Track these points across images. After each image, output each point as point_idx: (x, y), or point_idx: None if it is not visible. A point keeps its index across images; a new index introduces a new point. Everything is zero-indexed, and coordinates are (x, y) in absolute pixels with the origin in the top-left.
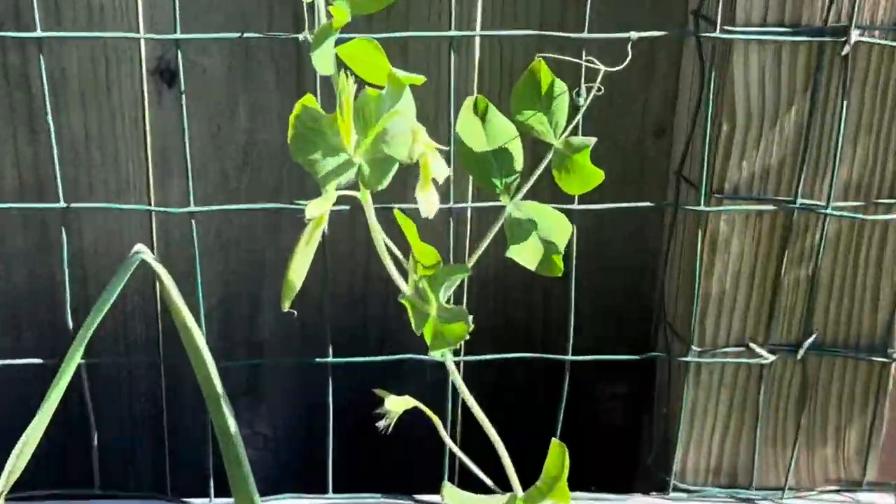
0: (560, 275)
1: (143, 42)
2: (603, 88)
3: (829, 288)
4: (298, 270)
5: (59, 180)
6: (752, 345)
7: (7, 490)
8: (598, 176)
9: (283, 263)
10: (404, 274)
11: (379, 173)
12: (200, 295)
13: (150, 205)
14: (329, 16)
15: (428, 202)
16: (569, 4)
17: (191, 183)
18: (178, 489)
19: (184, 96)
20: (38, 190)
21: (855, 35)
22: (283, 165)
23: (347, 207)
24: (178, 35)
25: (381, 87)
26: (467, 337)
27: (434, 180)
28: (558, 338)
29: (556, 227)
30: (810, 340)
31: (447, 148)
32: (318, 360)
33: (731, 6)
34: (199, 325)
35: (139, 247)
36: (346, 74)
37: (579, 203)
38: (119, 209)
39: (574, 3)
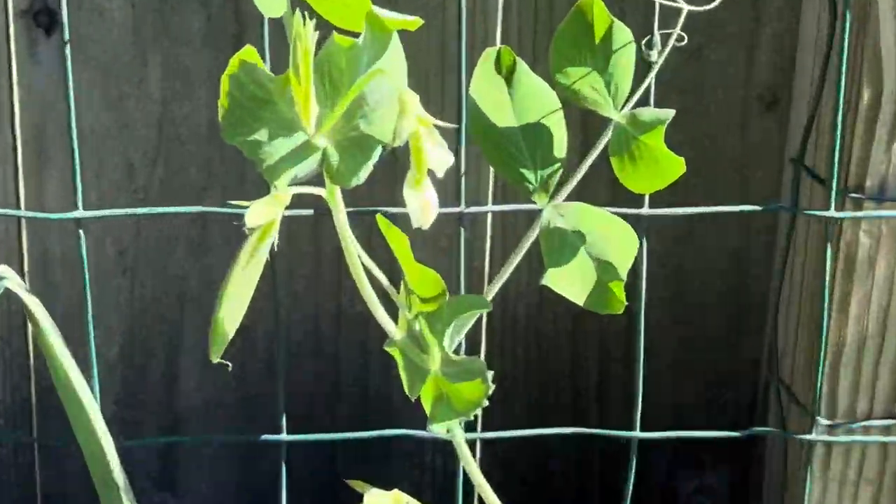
0: (622, 311)
1: None
2: (686, 37)
3: None
4: (235, 305)
5: None
6: None
7: None
8: (677, 166)
9: (213, 294)
10: (392, 310)
11: (353, 161)
12: (93, 341)
13: (18, 208)
14: None
15: (421, 205)
16: None
17: (78, 177)
18: None
19: (68, 49)
20: None
21: None
22: (212, 152)
23: (310, 212)
24: None
25: (357, 35)
26: (486, 403)
27: (431, 173)
28: (617, 405)
29: (617, 241)
30: None
31: (454, 126)
32: (266, 437)
33: None
34: (92, 385)
35: (2, 269)
36: (305, 17)
37: (650, 206)
38: None
39: None
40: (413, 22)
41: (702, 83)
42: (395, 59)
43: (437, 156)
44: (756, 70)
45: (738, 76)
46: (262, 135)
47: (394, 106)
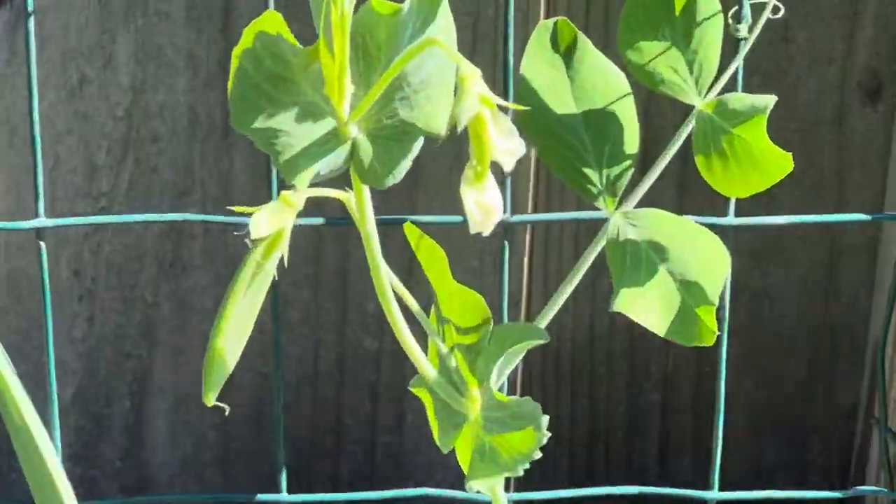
0: (712, 342)
1: None
2: (782, 8)
3: None
4: (235, 335)
5: None
6: None
7: None
8: (782, 163)
9: (187, 324)
10: (422, 339)
11: (389, 156)
12: (53, 377)
13: None
14: None
15: (482, 206)
16: None
17: (40, 178)
18: None
19: (31, 22)
20: None
21: None
22: (194, 149)
23: (321, 220)
24: None
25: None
26: (538, 455)
27: (498, 170)
28: (684, 461)
29: (705, 256)
30: None
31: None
32: (261, 496)
33: None
34: (52, 435)
35: None
36: None
37: (737, 215)
38: None
39: None
40: None
41: (790, 68)
42: (446, 29)
43: (505, 145)
44: (856, 51)
45: (837, 60)
46: (280, 121)
47: (444, 86)
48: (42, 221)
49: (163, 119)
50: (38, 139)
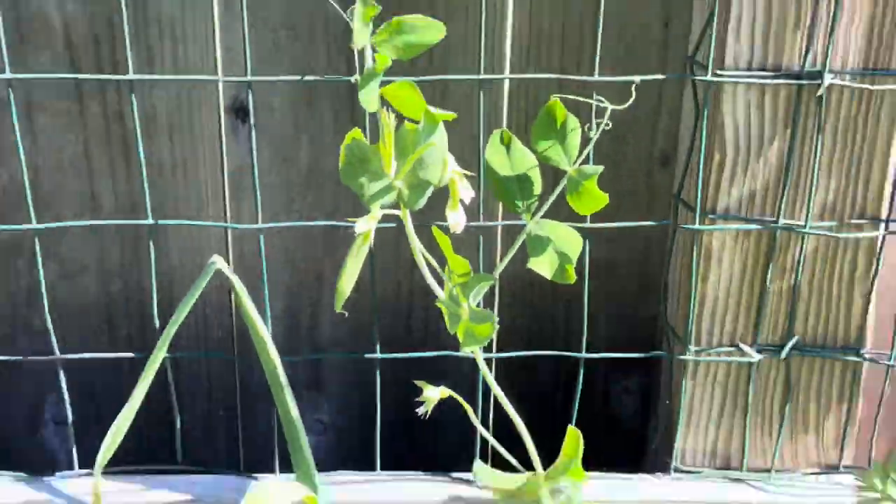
0: (572, 282)
1: (220, 84)
2: (611, 124)
3: (808, 297)
4: (348, 279)
5: (147, 201)
6: (741, 345)
7: (104, 465)
8: (603, 199)
9: (338, 273)
10: (440, 282)
11: (416, 195)
12: (268, 301)
13: (226, 222)
14: (375, 61)
15: (456, 219)
16: (585, 49)
17: (259, 203)
18: (248, 465)
19: (254, 130)
20: (131, 211)
21: (828, 79)
22: (339, 189)
23: (393, 224)
24: (250, 78)
25: (418, 122)
26: (493, 336)
27: (462, 201)
28: (576, 339)
29: (570, 241)
30: (792, 342)
31: (472, 174)
32: (367, 355)
33: (722, 53)
34: (267, 326)
35: (215, 258)
36: (388, 111)
37: (592, 222)
38: (199, 226)
39: (590, 49)
40: (450, 115)
41: (625, 150)
42: (440, 136)
43: (463, 191)
44: (656, 142)
45: (646, 146)
46: (363, 179)
47: (440, 163)
48: (260, 225)
49: (325, 173)
50: (258, 189)
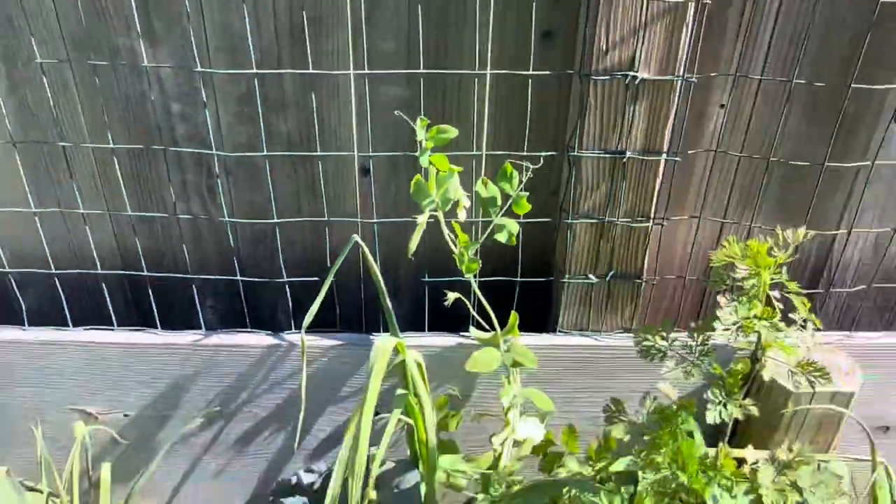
0: (514, 244)
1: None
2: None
3: (620, 253)
4: (413, 243)
5: (325, 205)
6: (588, 275)
7: (306, 327)
8: (528, 207)
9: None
10: (455, 245)
11: (444, 204)
12: (378, 259)
13: (358, 219)
14: (425, 144)
15: (463, 216)
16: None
17: (375, 209)
18: (368, 327)
19: (373, 184)
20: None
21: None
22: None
23: (433, 221)
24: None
25: (445, 171)
26: (478, 269)
27: (465, 207)
28: (516, 272)
29: (513, 225)
30: (612, 272)
31: (469, 195)
32: (423, 279)
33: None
34: (377, 263)
35: (354, 236)
36: (432, 167)
37: (524, 217)
38: (347, 221)
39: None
40: (459, 169)
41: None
42: (454, 179)
43: (466, 203)
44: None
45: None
46: (421, 197)
47: (455, 190)
48: None
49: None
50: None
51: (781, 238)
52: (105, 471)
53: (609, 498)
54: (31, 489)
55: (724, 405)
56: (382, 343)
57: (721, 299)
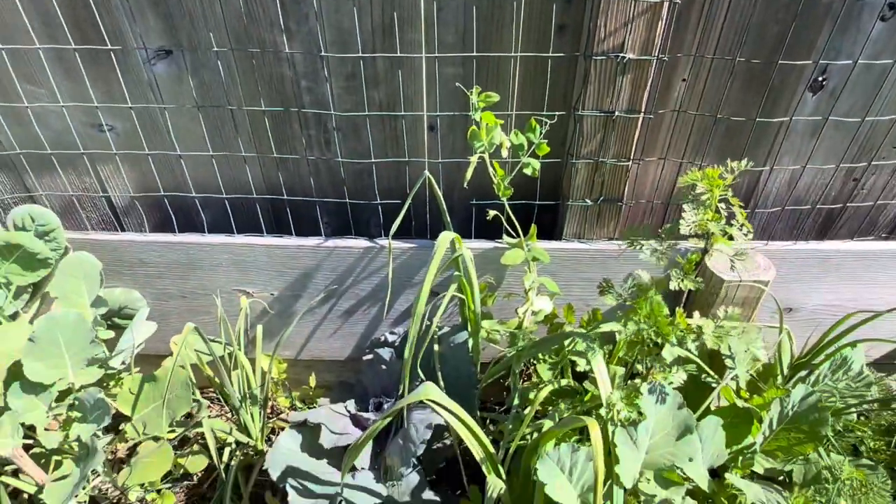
0: (536, 176)
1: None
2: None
3: (607, 184)
4: (467, 175)
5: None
6: (585, 199)
7: (393, 234)
8: (545, 151)
9: (464, 174)
10: (496, 177)
11: (491, 146)
12: (441, 190)
13: (426, 159)
14: (477, 103)
15: (504, 156)
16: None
17: (440, 151)
18: (432, 235)
19: (438, 134)
20: (398, 148)
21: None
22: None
23: (481, 161)
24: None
25: (491, 123)
26: (510, 194)
27: (507, 147)
28: (534, 196)
29: (536, 164)
30: (602, 197)
31: (509, 145)
32: (472, 202)
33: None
34: (440, 187)
35: (426, 172)
36: (481, 120)
37: (542, 158)
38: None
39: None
40: (500, 122)
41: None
42: (498, 129)
43: (507, 145)
44: (565, 89)
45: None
46: (474, 141)
47: (499, 136)
48: None
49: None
50: None
51: (729, 167)
52: (259, 330)
53: (598, 343)
54: (213, 341)
55: (682, 280)
56: (445, 235)
57: (685, 206)
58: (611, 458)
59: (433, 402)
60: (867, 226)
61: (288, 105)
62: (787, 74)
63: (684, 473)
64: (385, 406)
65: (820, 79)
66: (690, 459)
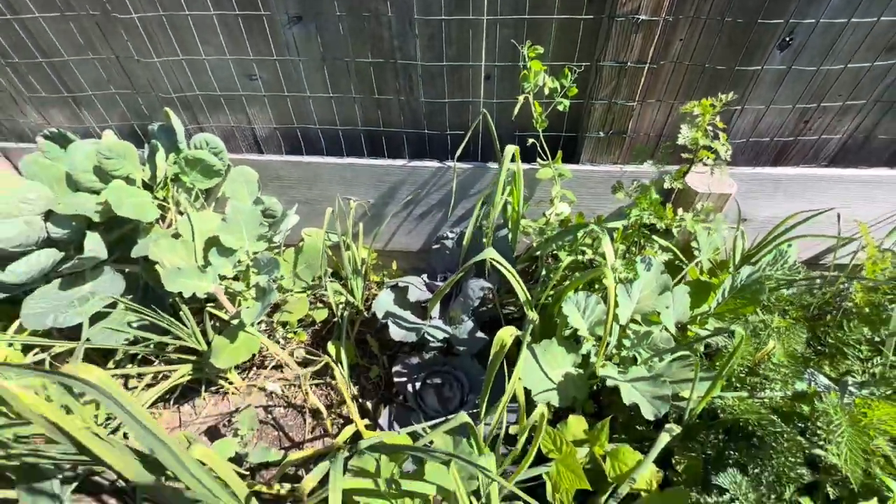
0: (567, 110)
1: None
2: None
3: (614, 119)
4: (516, 110)
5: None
6: (600, 132)
7: (457, 157)
8: (574, 93)
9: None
10: (534, 113)
11: (536, 86)
12: (492, 118)
13: (481, 99)
14: (528, 58)
15: (547, 90)
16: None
17: (496, 90)
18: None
19: (496, 83)
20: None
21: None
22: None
23: (525, 101)
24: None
25: (538, 69)
26: (545, 126)
27: (550, 87)
28: (562, 128)
29: (566, 102)
30: (612, 131)
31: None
32: (515, 134)
33: None
34: (493, 130)
35: (483, 109)
36: (531, 67)
37: (570, 100)
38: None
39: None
40: (544, 67)
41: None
42: (541, 72)
43: (548, 84)
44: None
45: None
46: (524, 83)
47: (542, 78)
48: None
49: None
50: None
51: (718, 99)
52: (360, 228)
53: (610, 229)
54: (331, 233)
55: (674, 180)
56: (510, 148)
57: (683, 126)
58: (611, 304)
59: (493, 259)
60: (811, 157)
61: (385, 59)
62: (762, 35)
63: (660, 320)
64: (449, 278)
65: (787, 38)
66: (667, 307)
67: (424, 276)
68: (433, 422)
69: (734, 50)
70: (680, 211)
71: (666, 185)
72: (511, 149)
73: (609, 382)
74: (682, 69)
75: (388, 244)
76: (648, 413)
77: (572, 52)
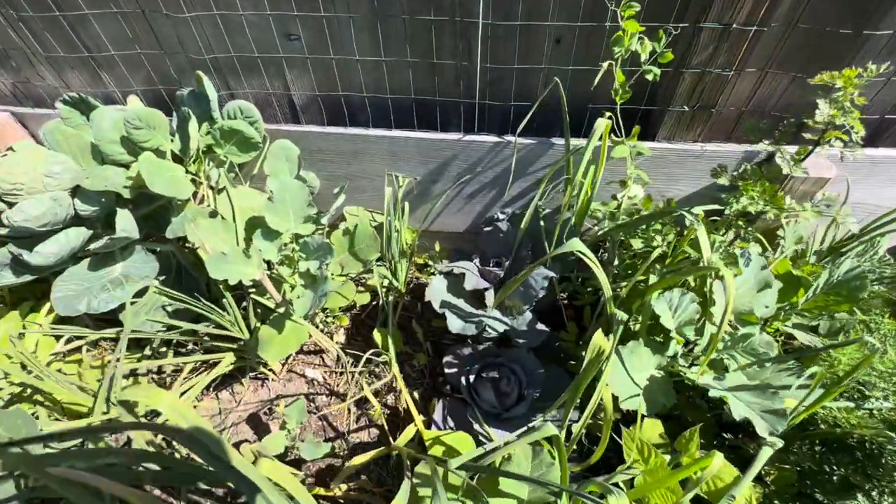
0: (657, 80)
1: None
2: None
3: (703, 91)
4: (596, 80)
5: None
6: (684, 106)
7: (519, 132)
8: (669, 59)
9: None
10: (615, 83)
11: (627, 52)
12: (513, 87)
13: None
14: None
15: (644, 55)
16: None
17: (517, 56)
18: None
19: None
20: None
21: None
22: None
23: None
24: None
25: (634, 30)
26: (626, 98)
27: (648, 51)
28: (643, 102)
29: (656, 69)
30: (697, 104)
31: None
32: (589, 105)
33: None
34: (564, 101)
35: (555, 79)
36: (626, 28)
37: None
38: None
39: None
40: (641, 28)
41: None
42: (637, 29)
43: (648, 48)
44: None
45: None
46: (620, 46)
47: (642, 40)
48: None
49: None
50: None
51: (868, 69)
52: (406, 206)
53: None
54: (374, 212)
55: (792, 165)
56: (601, 121)
57: (819, 101)
58: (705, 302)
59: (580, 252)
60: None
61: (449, 16)
62: (856, 26)
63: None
64: (504, 263)
65: None
66: (766, 307)
67: (477, 261)
68: (510, 434)
69: (855, 11)
70: (788, 198)
71: (784, 171)
72: (602, 122)
73: (712, 393)
74: (789, 33)
75: (433, 223)
76: (763, 430)
77: (664, 12)
